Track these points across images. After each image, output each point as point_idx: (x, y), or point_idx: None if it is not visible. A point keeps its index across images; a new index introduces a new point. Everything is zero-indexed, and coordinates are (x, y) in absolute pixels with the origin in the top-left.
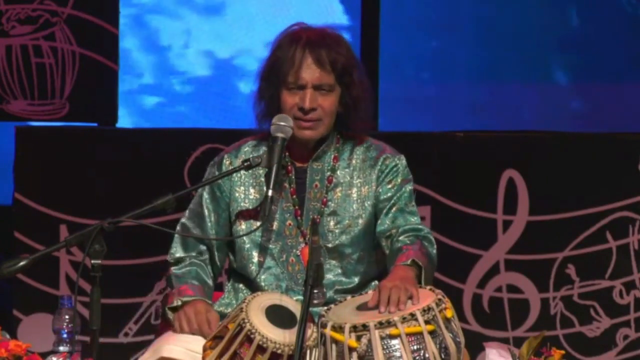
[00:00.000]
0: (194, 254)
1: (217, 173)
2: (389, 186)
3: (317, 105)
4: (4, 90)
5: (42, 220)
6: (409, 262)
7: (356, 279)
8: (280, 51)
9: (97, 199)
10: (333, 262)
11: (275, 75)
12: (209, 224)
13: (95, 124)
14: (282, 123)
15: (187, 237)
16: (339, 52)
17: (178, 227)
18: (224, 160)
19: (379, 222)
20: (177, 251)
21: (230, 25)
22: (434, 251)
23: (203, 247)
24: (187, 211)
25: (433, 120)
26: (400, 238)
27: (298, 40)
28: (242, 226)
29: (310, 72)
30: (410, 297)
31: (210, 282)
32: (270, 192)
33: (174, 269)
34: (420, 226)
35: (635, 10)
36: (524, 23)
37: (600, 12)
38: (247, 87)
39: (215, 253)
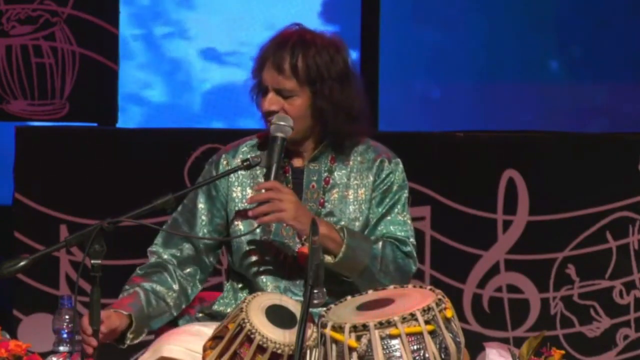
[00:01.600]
0: (173, 250)
1: (214, 172)
2: (383, 195)
3: (279, 108)
4: (4, 90)
5: (42, 220)
6: (337, 227)
7: None
8: (262, 51)
9: (97, 199)
10: None
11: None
12: (199, 222)
13: (95, 124)
14: (282, 123)
15: (171, 233)
16: (309, 58)
17: (169, 221)
18: (222, 160)
19: (367, 231)
20: (155, 245)
21: (232, 24)
22: (403, 262)
23: (187, 245)
24: (181, 205)
25: (433, 120)
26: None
27: (273, 41)
28: (240, 226)
29: (269, 74)
30: (280, 213)
31: (160, 287)
32: None
33: (138, 269)
34: (402, 238)
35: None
36: (524, 23)
37: (601, 11)
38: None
39: (203, 253)
